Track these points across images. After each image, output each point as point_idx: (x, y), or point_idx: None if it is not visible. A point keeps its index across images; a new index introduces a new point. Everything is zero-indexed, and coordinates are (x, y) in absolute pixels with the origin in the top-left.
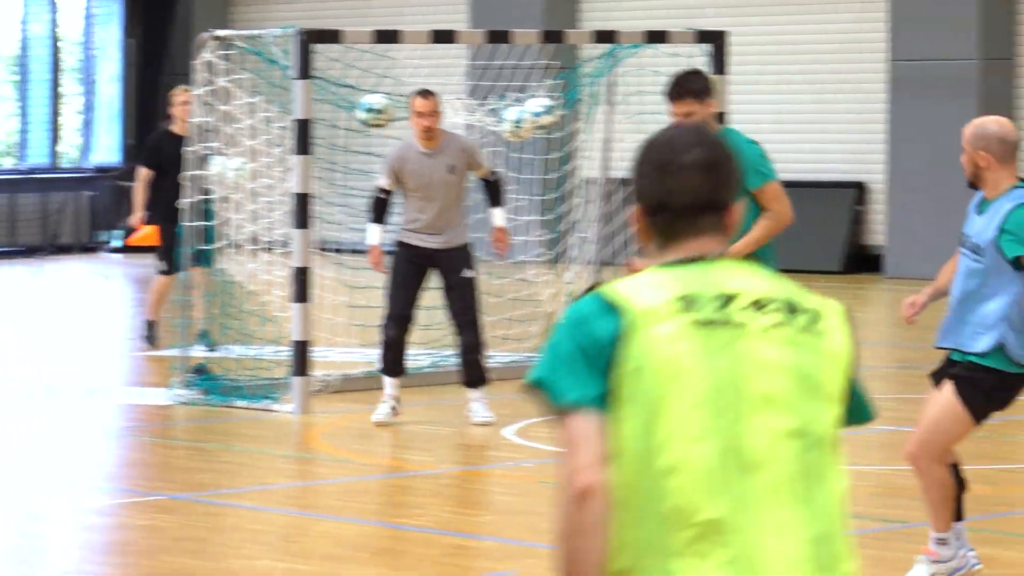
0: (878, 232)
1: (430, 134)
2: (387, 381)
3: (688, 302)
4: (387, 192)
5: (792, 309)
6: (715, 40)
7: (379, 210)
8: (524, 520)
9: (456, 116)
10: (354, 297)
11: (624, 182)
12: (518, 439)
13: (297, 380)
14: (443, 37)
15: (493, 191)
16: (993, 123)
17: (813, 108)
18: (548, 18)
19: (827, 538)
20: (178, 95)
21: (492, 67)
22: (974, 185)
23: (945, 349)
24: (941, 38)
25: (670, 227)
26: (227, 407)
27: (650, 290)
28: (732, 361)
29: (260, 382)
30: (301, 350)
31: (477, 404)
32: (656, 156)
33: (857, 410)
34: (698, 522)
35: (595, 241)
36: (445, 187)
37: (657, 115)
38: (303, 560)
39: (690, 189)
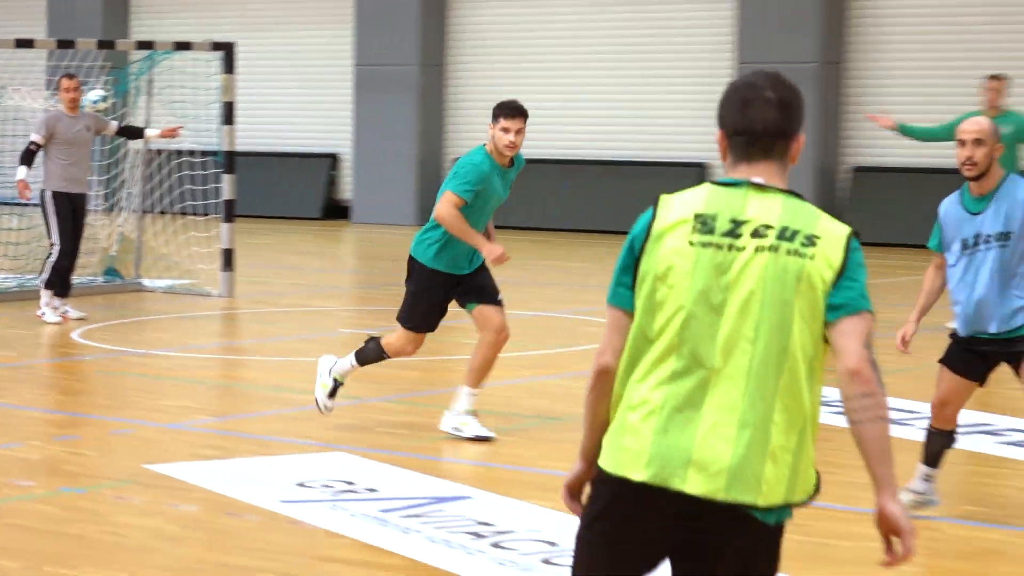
0: (347, 190)
1: (74, 104)
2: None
3: (703, 221)
4: (38, 146)
5: (789, 235)
6: (227, 49)
7: (29, 158)
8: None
9: (35, 102)
10: None
11: (160, 152)
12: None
13: None
14: (24, 43)
15: (129, 131)
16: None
17: (302, 99)
18: (106, 30)
19: (759, 427)
20: None
21: (61, 65)
22: (976, 178)
23: (976, 336)
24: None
25: (742, 150)
26: None
27: (682, 205)
28: (716, 276)
29: None
30: None
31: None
32: (739, 93)
33: (845, 303)
34: (665, 379)
35: (138, 195)
36: (85, 144)
37: (185, 103)
38: None
39: (762, 119)
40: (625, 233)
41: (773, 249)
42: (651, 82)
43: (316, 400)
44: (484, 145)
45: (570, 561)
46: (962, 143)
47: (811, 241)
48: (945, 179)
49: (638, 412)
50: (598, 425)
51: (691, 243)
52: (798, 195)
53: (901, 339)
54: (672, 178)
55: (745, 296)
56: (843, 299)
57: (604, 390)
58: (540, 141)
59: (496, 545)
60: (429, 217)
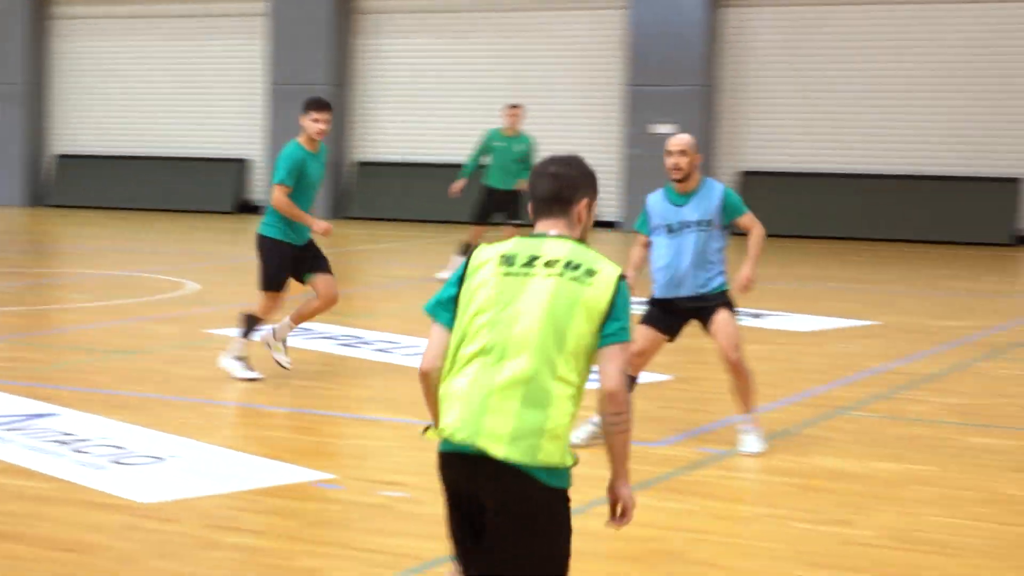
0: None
1: None
2: None
3: (507, 259)
4: None
5: (573, 266)
6: None
7: None
8: None
9: None
10: None
11: None
12: None
13: None
14: None
15: None
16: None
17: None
18: None
19: (537, 397)
20: None
21: None
22: (681, 180)
23: (676, 298)
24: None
25: (535, 212)
26: None
27: (491, 249)
28: (511, 293)
29: None
30: None
31: None
32: (535, 168)
33: (612, 333)
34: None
35: None
36: None
37: None
38: None
39: (543, 189)
40: None
41: (560, 275)
42: None
43: (246, 379)
44: (296, 138)
45: (135, 461)
46: (670, 153)
47: (590, 273)
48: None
49: None
50: None
51: (496, 274)
52: (584, 243)
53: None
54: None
55: (535, 304)
56: (610, 330)
57: (429, 385)
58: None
59: (77, 451)
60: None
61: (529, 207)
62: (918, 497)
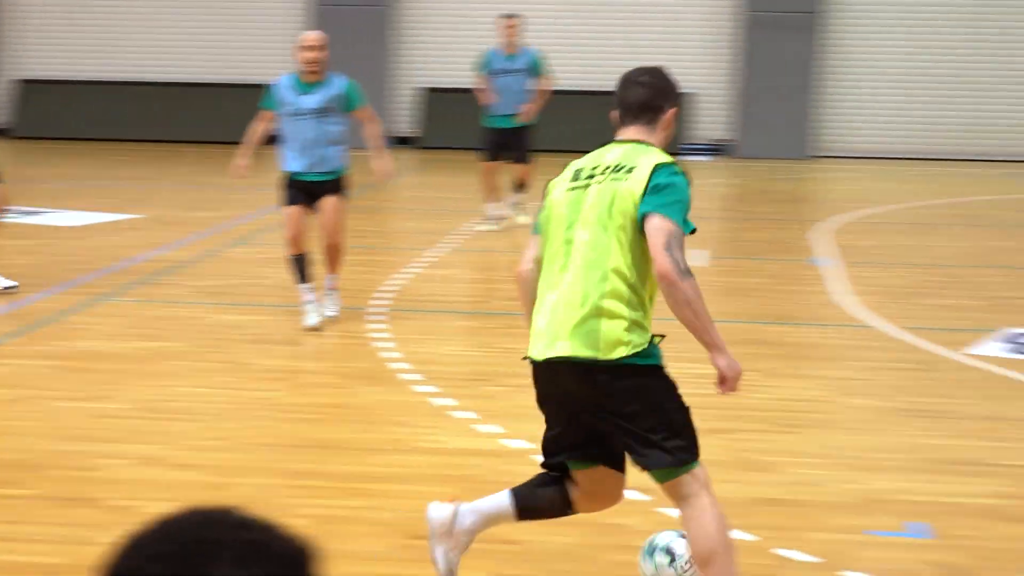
0: None
1: None
2: None
3: (577, 171)
4: None
5: (619, 168)
6: None
7: None
8: None
9: None
10: None
11: None
12: None
13: None
14: None
15: None
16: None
17: None
18: None
19: (598, 293)
20: None
21: None
22: (314, 72)
23: (301, 173)
24: None
25: (622, 119)
26: None
27: (570, 167)
28: (575, 202)
29: None
30: None
31: None
32: (624, 77)
33: (646, 211)
34: (553, 271)
35: None
36: None
37: None
38: None
39: (635, 97)
40: None
41: (605, 179)
42: None
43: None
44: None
45: None
46: (310, 48)
47: (629, 171)
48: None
49: None
50: None
51: (565, 191)
52: (660, 149)
53: (242, 166)
54: None
55: (591, 215)
56: (648, 206)
57: (525, 284)
58: None
59: None
60: None
61: (615, 114)
62: (170, 371)
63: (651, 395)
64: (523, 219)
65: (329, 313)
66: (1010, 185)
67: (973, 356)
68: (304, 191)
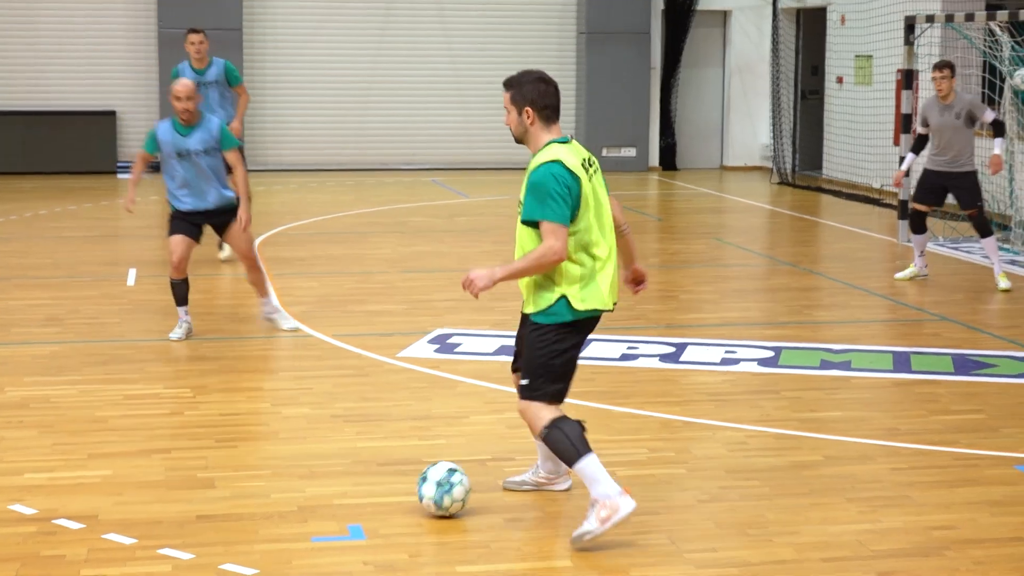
0: None
1: None
2: None
3: (584, 161)
4: None
5: (592, 162)
6: None
7: None
8: None
9: None
10: None
11: None
12: None
13: None
14: None
15: None
16: None
17: None
18: None
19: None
20: None
21: None
22: (189, 118)
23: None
24: None
25: (549, 118)
26: None
27: (574, 156)
28: (596, 188)
29: None
30: None
31: None
32: (538, 77)
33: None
34: (592, 250)
35: None
36: None
37: None
38: None
39: (555, 97)
40: None
41: (598, 170)
42: None
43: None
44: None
45: None
46: (178, 99)
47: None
48: None
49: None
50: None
51: (587, 180)
52: None
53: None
54: None
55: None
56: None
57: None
58: None
59: None
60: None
61: (533, 112)
62: None
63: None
64: None
65: (288, 326)
66: (431, 192)
67: (404, 359)
68: (191, 222)
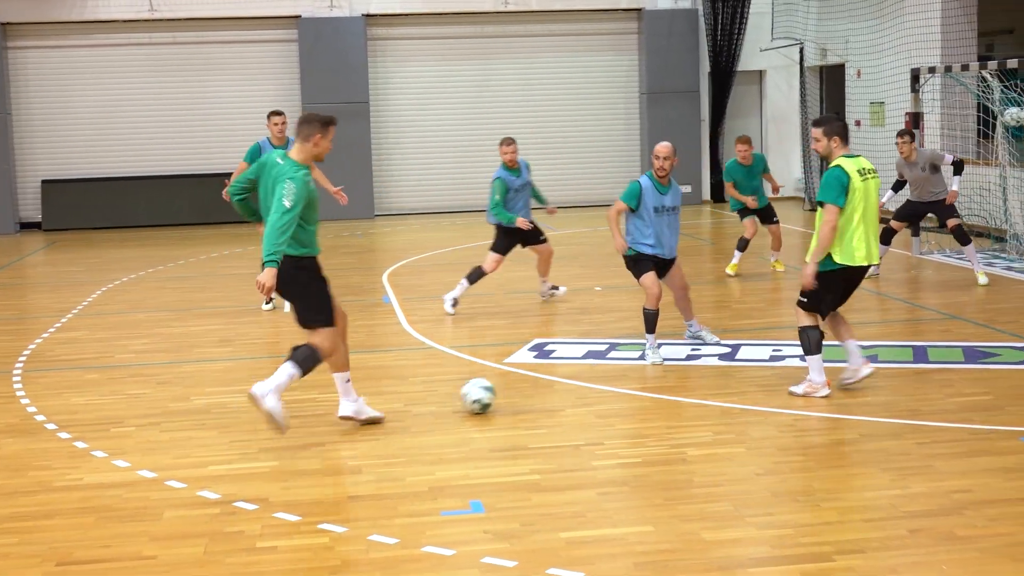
0: None
1: None
2: None
3: (862, 171)
4: None
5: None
6: None
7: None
8: None
9: None
10: None
11: None
12: None
13: None
14: None
15: None
16: None
17: None
18: None
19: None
20: None
21: None
22: (664, 176)
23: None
24: None
25: (847, 139)
26: None
27: (852, 166)
28: (867, 189)
29: None
30: None
31: None
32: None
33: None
34: (855, 226)
35: None
36: None
37: None
38: None
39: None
40: None
41: (875, 176)
42: None
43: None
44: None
45: None
46: (659, 157)
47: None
48: None
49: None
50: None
51: (861, 179)
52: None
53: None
54: None
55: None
56: None
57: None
58: None
59: None
60: None
61: (837, 137)
62: None
63: None
64: None
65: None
66: None
67: (509, 364)
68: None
